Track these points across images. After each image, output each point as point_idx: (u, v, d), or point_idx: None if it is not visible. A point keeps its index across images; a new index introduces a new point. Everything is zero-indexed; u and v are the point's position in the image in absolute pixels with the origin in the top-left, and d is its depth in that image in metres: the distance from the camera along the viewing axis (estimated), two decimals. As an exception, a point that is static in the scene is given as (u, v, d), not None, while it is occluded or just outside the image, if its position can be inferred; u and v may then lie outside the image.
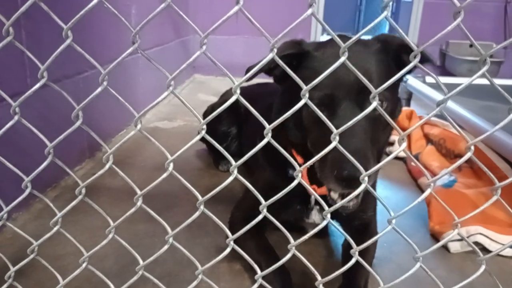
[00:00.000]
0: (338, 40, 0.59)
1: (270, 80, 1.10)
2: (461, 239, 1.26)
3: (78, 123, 0.65)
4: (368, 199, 1.22)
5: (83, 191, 0.72)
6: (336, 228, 0.69)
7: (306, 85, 0.61)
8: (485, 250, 1.36)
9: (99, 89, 0.62)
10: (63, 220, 0.80)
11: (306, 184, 0.67)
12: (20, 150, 1.44)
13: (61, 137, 0.65)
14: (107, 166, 0.65)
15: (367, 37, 1.09)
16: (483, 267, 0.72)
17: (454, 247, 1.37)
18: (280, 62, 0.61)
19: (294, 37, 1.04)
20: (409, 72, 0.63)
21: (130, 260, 0.80)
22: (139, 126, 0.62)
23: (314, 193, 0.69)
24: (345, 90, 0.93)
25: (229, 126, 1.89)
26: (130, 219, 0.71)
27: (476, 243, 1.37)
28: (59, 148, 0.70)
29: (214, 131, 1.85)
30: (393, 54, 1.03)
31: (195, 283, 0.76)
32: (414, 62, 0.57)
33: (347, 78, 0.92)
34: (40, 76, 0.65)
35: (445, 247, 1.38)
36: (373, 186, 1.17)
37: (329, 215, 0.67)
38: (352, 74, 0.71)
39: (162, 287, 0.80)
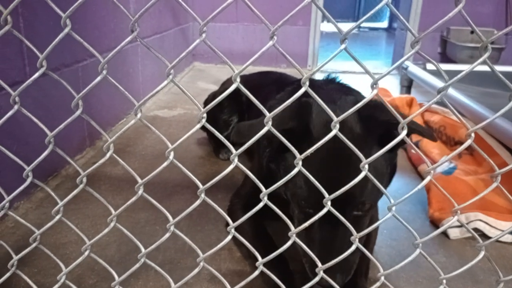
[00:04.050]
0: (339, 28, 0.58)
1: (271, 68, 1.09)
2: (461, 226, 1.27)
3: (78, 113, 0.65)
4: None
5: (84, 180, 0.72)
6: (336, 216, 0.69)
7: None
8: (484, 236, 1.37)
9: (99, 78, 0.61)
10: (65, 209, 0.80)
11: (305, 171, 0.67)
12: (20, 139, 1.44)
13: (61, 126, 0.65)
14: (107, 155, 0.65)
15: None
16: (482, 253, 0.72)
17: (454, 233, 1.38)
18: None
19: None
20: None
21: (133, 247, 0.80)
22: (139, 115, 0.62)
23: (315, 181, 0.69)
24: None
25: (231, 114, 1.89)
26: (132, 207, 0.72)
27: (476, 229, 1.38)
28: (59, 137, 0.70)
29: (216, 119, 1.85)
30: (379, 132, 0.90)
31: (196, 270, 0.77)
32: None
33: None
34: (39, 65, 0.65)
35: (444, 233, 1.39)
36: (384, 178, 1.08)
37: (329, 203, 0.68)
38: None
39: (164, 274, 0.81)
